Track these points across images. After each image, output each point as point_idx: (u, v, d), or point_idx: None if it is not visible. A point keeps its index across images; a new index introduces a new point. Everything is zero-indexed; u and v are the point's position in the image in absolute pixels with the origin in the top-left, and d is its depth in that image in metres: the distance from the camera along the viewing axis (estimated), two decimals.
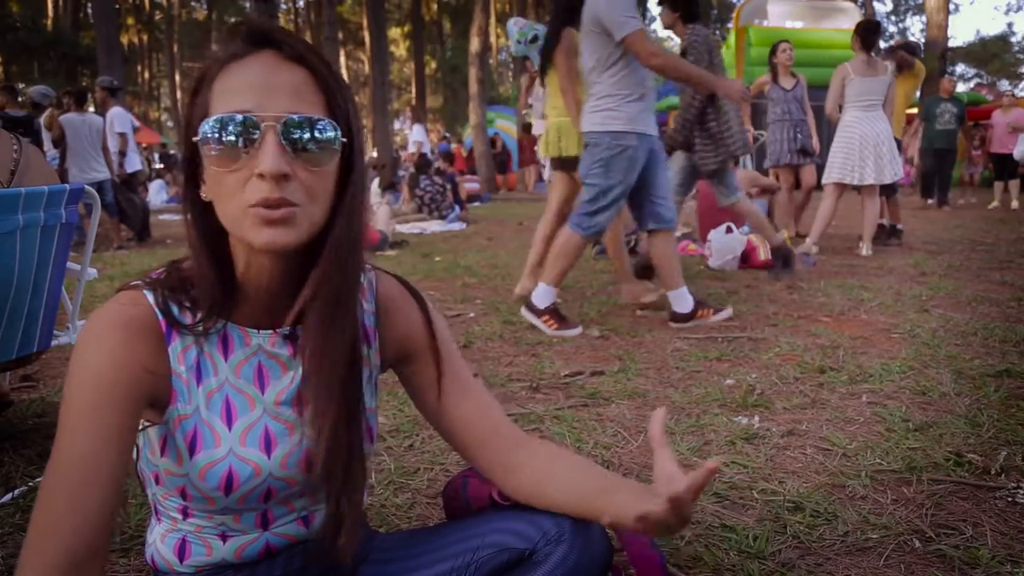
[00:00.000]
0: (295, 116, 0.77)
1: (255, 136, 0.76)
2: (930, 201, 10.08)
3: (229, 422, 0.88)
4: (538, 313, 3.28)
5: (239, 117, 0.76)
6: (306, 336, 0.85)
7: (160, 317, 0.84)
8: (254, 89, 0.77)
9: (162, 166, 17.95)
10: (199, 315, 0.85)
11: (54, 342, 2.06)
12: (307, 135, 0.78)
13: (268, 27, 0.81)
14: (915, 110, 10.38)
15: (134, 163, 7.89)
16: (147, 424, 0.87)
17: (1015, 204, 10.26)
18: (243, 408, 0.89)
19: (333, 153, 0.80)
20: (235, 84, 0.78)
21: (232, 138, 0.76)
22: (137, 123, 9.03)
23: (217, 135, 0.76)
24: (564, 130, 3.97)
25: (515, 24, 4.86)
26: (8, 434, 2.15)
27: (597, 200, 3.20)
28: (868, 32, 5.45)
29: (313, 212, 0.80)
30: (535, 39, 4.69)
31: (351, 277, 0.85)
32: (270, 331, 0.90)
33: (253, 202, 0.76)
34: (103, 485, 0.75)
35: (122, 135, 7.49)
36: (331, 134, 0.79)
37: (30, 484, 1.78)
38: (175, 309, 0.85)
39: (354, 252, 0.84)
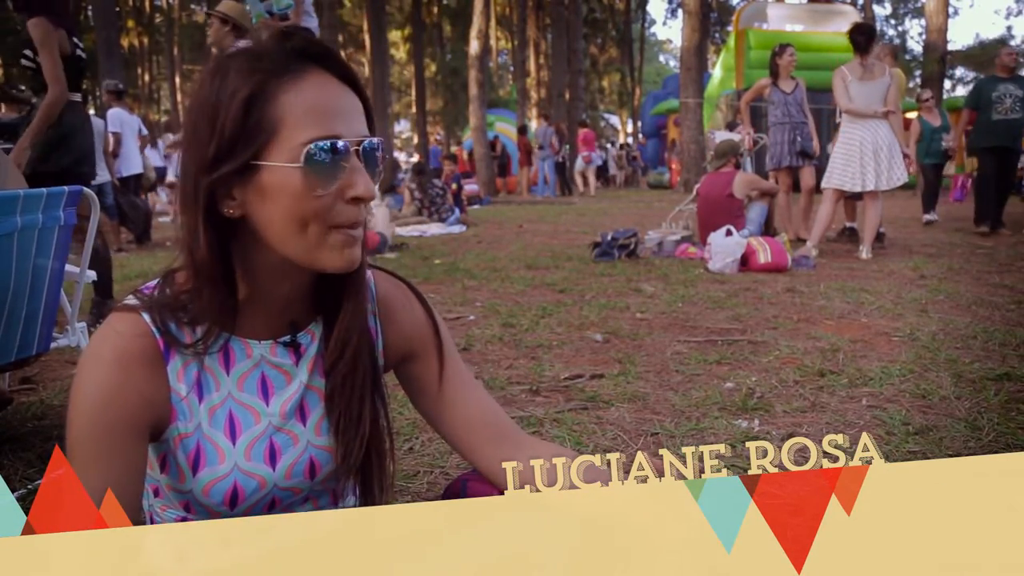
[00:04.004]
0: (372, 140, 0.80)
1: (348, 160, 0.78)
2: (982, 228, 6.94)
3: (233, 437, 0.87)
4: None
5: (340, 143, 0.77)
6: (336, 340, 0.89)
7: (158, 336, 0.83)
8: (337, 113, 0.78)
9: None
10: (198, 331, 0.84)
11: (53, 344, 2.06)
12: (376, 157, 0.81)
13: (326, 46, 0.81)
14: (912, 114, 9.82)
15: (131, 166, 7.72)
16: None
17: None
18: (247, 422, 0.88)
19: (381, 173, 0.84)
20: (314, 105, 0.77)
21: (327, 162, 0.76)
22: (146, 131, 8.92)
23: (315, 159, 0.76)
24: None
25: None
26: (7, 436, 2.15)
27: None
28: (859, 35, 5.46)
29: None
30: None
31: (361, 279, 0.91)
32: (270, 341, 0.89)
33: (340, 223, 0.79)
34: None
35: (114, 135, 7.41)
36: (382, 154, 0.82)
37: (29, 487, 1.78)
38: (173, 327, 0.84)
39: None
